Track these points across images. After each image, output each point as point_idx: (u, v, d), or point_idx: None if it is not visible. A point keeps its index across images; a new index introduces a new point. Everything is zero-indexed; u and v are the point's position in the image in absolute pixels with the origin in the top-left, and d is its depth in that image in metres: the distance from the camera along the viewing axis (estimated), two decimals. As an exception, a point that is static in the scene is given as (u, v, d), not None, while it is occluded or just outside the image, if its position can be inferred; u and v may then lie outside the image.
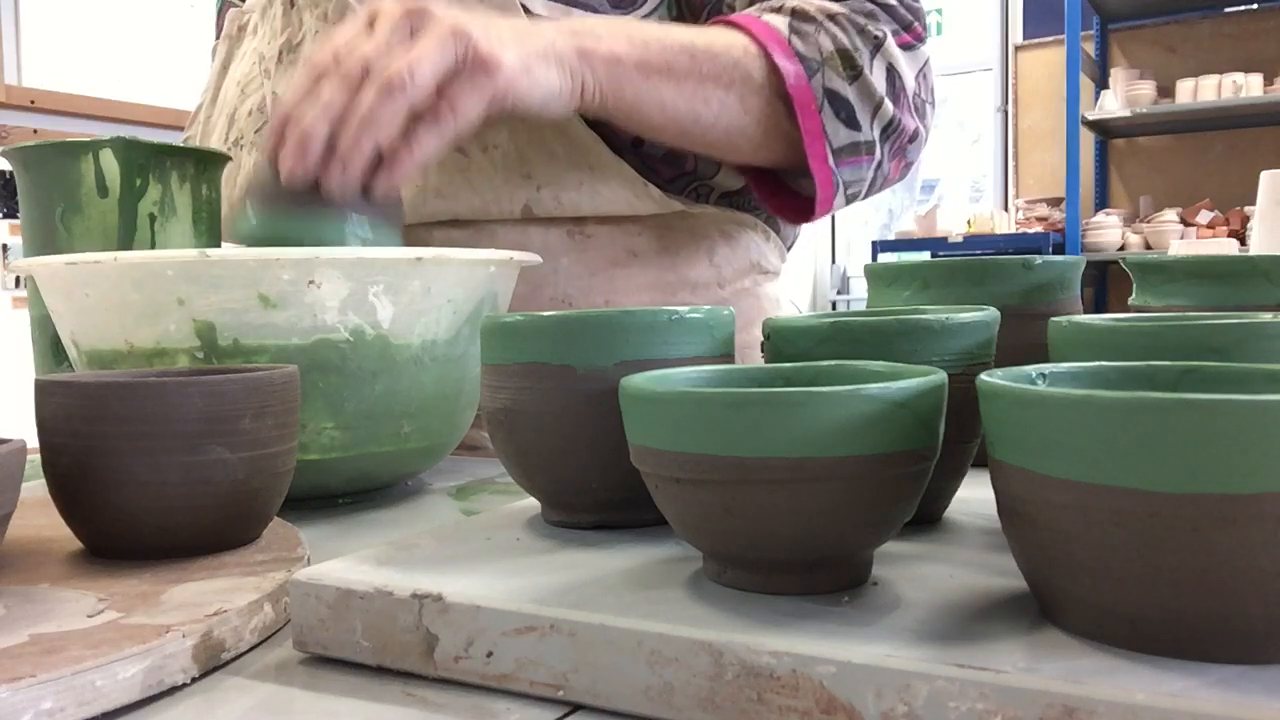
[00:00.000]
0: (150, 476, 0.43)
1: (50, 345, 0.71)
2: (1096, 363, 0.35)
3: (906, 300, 0.52)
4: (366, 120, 0.56)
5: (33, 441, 0.42)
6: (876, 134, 0.75)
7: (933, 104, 0.80)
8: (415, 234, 0.78)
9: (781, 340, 0.43)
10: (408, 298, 0.56)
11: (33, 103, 2.77)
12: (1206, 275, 0.47)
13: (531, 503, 0.48)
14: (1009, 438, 0.29)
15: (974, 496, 0.44)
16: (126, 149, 0.67)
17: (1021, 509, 0.29)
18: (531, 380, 0.42)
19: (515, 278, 0.66)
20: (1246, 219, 4.05)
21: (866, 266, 0.55)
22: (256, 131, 0.84)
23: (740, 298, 0.88)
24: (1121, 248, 4.29)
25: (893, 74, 0.75)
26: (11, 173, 0.72)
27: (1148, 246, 4.27)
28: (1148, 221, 4.39)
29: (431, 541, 0.42)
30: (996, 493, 0.31)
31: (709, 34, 0.71)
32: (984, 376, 0.31)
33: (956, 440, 0.38)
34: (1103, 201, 4.74)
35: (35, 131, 2.73)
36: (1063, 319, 0.41)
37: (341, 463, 0.57)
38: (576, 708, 0.32)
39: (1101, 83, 4.52)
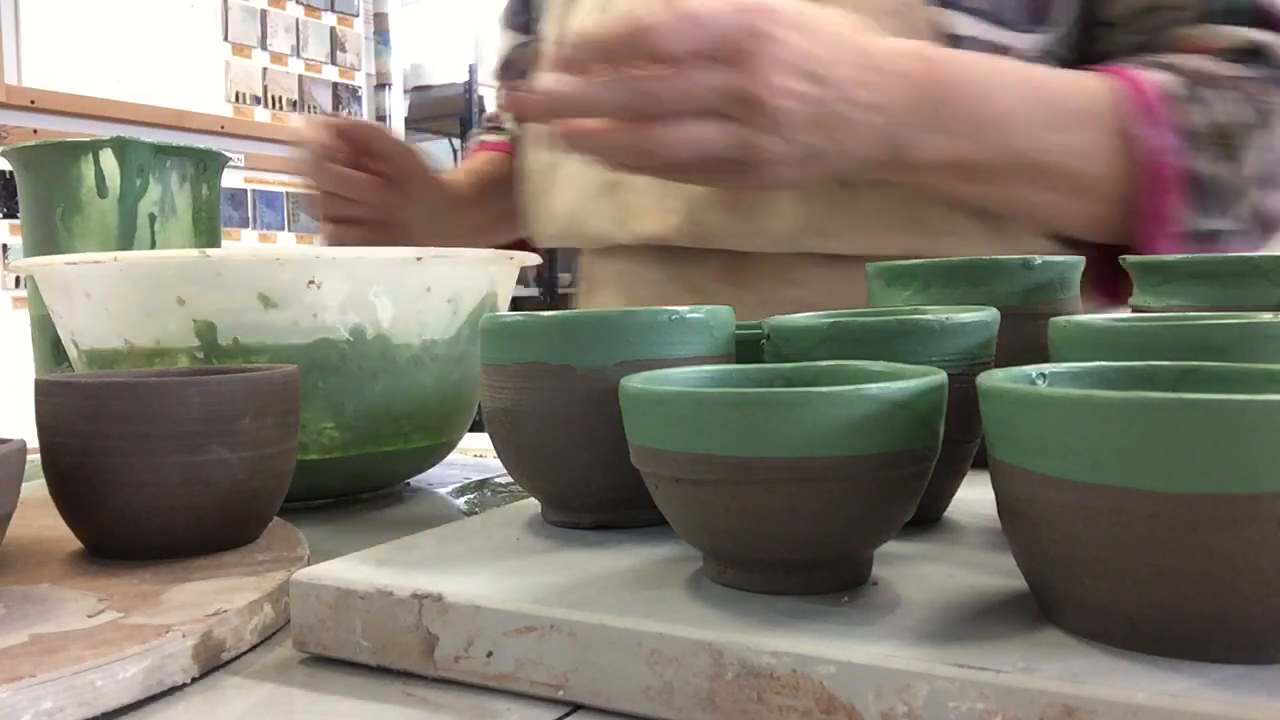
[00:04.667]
0: (150, 476, 0.43)
1: (50, 345, 0.71)
2: (1096, 363, 0.35)
3: (906, 300, 0.52)
4: (607, 147, 0.57)
5: (33, 441, 0.43)
6: (1239, 223, 0.67)
7: None
8: (782, 264, 0.76)
9: (781, 340, 0.43)
10: (408, 298, 0.56)
11: (33, 103, 2.77)
12: (1206, 275, 0.47)
13: (531, 503, 0.48)
14: (1009, 438, 0.29)
15: (974, 496, 0.44)
16: (126, 149, 0.67)
17: (1021, 509, 0.29)
18: (531, 380, 0.42)
19: (515, 277, 0.66)
20: (1246, 219, 4.04)
21: (867, 266, 0.55)
22: None
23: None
24: (1121, 248, 4.29)
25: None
26: (11, 173, 0.72)
27: (1148, 246, 4.27)
28: (1148, 221, 4.38)
29: (431, 541, 0.42)
30: (996, 493, 0.31)
31: (1071, 117, 0.65)
32: (984, 376, 0.31)
33: (956, 440, 0.38)
34: (1103, 201, 4.73)
35: (35, 131, 2.73)
36: (1063, 319, 0.41)
37: (341, 463, 0.57)
38: (576, 708, 0.32)
39: (1101, 83, 4.51)
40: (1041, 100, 0.65)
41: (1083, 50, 0.74)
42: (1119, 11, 0.73)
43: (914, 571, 0.35)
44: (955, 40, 0.70)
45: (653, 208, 0.76)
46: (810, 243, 0.74)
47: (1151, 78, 0.67)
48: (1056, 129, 0.65)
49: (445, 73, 3.82)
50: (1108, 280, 0.73)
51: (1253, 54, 0.69)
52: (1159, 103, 0.65)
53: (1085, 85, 0.67)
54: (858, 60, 0.59)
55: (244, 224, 3.17)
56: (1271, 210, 0.68)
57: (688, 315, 0.42)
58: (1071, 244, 0.73)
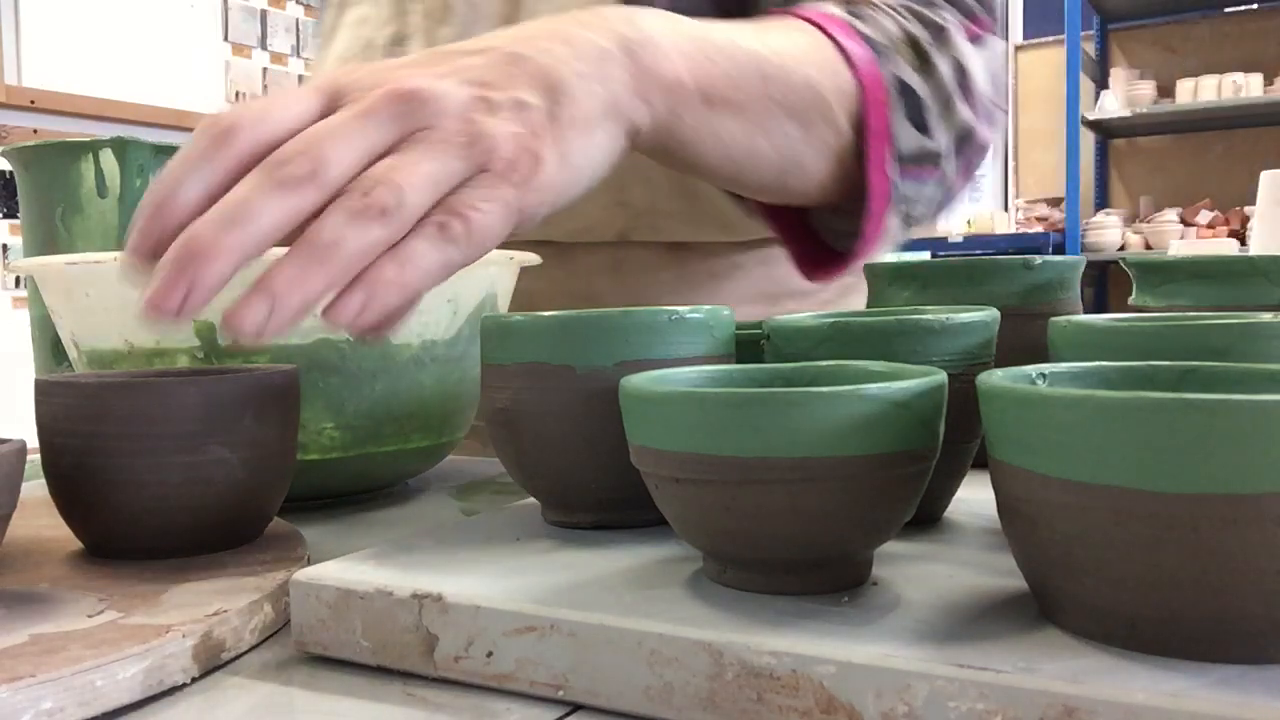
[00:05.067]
0: (150, 476, 0.43)
1: (50, 345, 0.71)
2: (1096, 363, 0.35)
3: (906, 300, 0.52)
4: (326, 249, 0.37)
5: (33, 441, 0.42)
6: (947, 143, 0.63)
7: (1003, 110, 0.68)
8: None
9: (781, 340, 0.43)
10: (408, 298, 0.56)
11: (33, 103, 2.77)
12: (1206, 275, 0.47)
13: (531, 503, 0.48)
14: (1009, 438, 0.29)
15: (974, 496, 0.44)
16: (126, 149, 0.67)
17: (1021, 509, 0.29)
18: (531, 380, 0.42)
19: (515, 277, 0.66)
20: (1246, 219, 4.05)
21: (866, 266, 0.55)
22: None
23: (846, 296, 0.85)
24: (1121, 248, 4.30)
25: (961, 71, 0.64)
26: (11, 173, 0.72)
27: (1148, 246, 4.28)
28: (1148, 221, 4.40)
29: (431, 541, 0.42)
30: (996, 493, 0.31)
31: (778, 37, 0.58)
32: (984, 376, 0.31)
33: (956, 440, 0.38)
34: (1103, 201, 4.74)
35: (35, 131, 2.73)
36: (1063, 319, 0.41)
37: (341, 463, 0.57)
38: (576, 708, 0.32)
39: (1101, 83, 4.53)
40: (745, 23, 0.58)
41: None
42: None
43: (914, 571, 0.35)
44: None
45: None
46: (530, 231, 0.74)
47: (824, 7, 0.62)
48: (775, 31, 0.58)
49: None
50: (810, 258, 0.69)
51: None
52: (843, 21, 0.61)
53: (776, 16, 0.61)
54: (500, 30, 0.47)
55: (244, 224, 3.18)
56: (974, 130, 0.65)
57: (688, 315, 0.42)
58: (773, 216, 0.68)
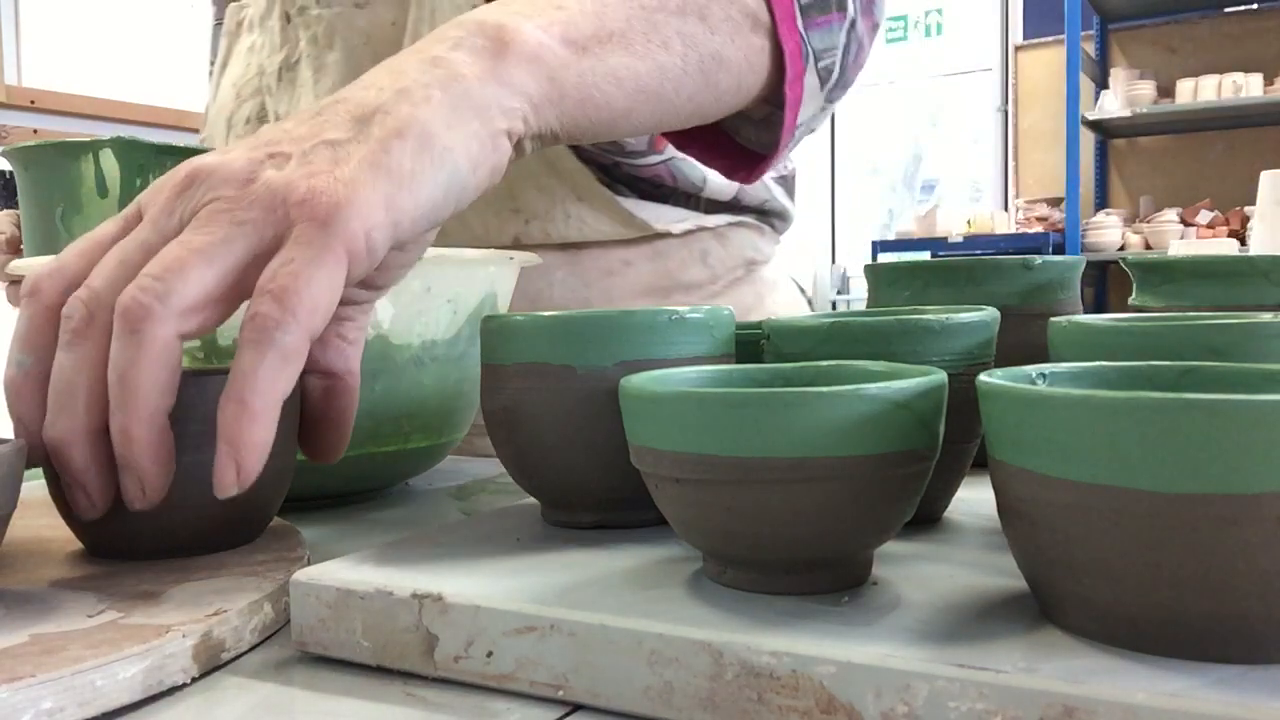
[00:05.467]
0: (150, 476, 0.43)
1: (50, 345, 0.71)
2: (1096, 363, 0.35)
3: (906, 300, 0.52)
4: (121, 387, 0.36)
5: (33, 441, 0.42)
6: None
7: None
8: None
9: (781, 340, 0.43)
10: (408, 298, 0.56)
11: (33, 103, 2.77)
12: (1206, 275, 0.47)
13: (531, 503, 0.48)
14: (1009, 438, 0.29)
15: (974, 496, 0.44)
16: (126, 149, 0.67)
17: (1021, 509, 0.29)
18: (531, 380, 0.42)
19: (515, 277, 0.66)
20: (1246, 219, 4.06)
21: (866, 266, 0.55)
22: None
23: (735, 288, 0.87)
24: (1121, 248, 4.30)
25: None
26: (11, 173, 0.72)
27: (1148, 246, 4.29)
28: (1148, 221, 4.40)
29: (431, 541, 0.42)
30: (996, 493, 0.31)
31: None
32: (984, 376, 0.31)
33: (956, 440, 0.38)
34: (1103, 201, 4.75)
35: (35, 131, 2.73)
36: (1063, 319, 0.41)
37: (341, 463, 0.57)
38: (576, 708, 0.32)
39: (1101, 83, 4.53)
40: None
41: None
42: None
43: (914, 571, 0.35)
44: None
45: None
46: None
47: None
48: None
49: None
50: (735, 162, 0.68)
51: None
52: None
53: None
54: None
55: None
56: None
57: (688, 315, 0.42)
58: (689, 142, 0.67)
